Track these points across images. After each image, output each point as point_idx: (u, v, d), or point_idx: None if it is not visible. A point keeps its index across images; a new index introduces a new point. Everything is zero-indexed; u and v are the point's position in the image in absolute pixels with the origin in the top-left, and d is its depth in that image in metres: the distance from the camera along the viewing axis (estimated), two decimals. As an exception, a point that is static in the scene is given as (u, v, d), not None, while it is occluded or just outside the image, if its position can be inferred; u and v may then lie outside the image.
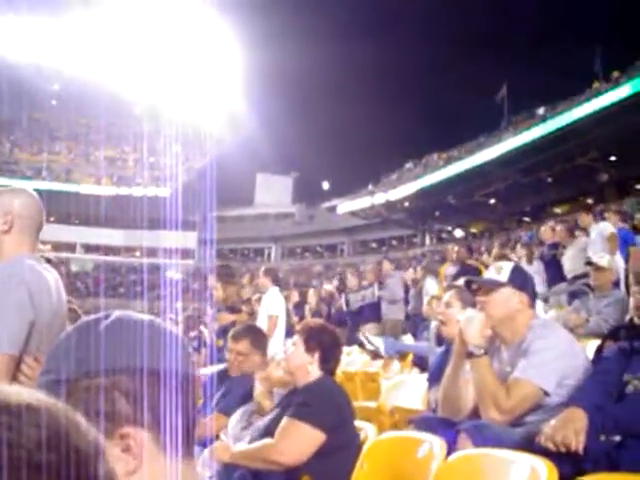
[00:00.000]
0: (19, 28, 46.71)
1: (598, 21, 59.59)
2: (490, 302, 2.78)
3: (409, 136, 55.35)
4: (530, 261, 9.18)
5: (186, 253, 42.27)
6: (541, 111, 31.59)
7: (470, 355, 2.68)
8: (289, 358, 3.13)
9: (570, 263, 8.43)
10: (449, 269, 10.14)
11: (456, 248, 11.15)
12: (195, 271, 37.00)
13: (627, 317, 4.89)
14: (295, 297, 11.43)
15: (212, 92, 43.16)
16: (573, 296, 7.65)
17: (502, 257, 9.37)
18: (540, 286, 8.82)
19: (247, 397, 3.77)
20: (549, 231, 9.86)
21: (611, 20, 56.98)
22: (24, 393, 0.53)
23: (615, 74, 28.21)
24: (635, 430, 2.21)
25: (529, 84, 45.51)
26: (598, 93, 27.48)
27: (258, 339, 4.09)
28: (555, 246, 9.35)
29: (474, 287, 2.91)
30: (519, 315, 2.78)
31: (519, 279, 2.84)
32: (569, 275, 8.51)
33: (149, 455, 0.88)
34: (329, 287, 12.72)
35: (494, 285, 2.80)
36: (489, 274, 2.91)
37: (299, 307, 11.10)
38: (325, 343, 3.11)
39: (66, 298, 2.95)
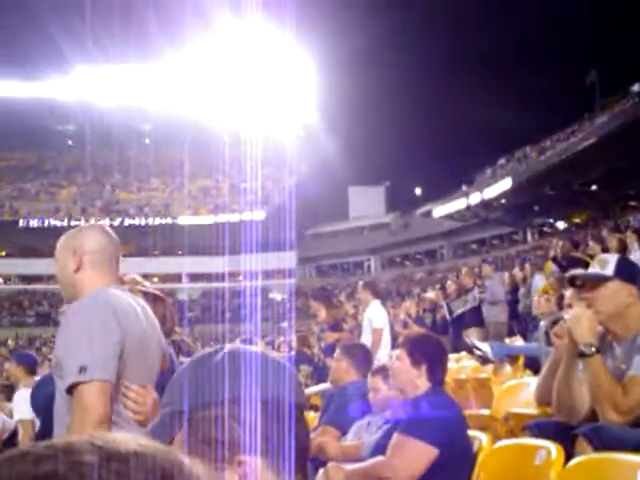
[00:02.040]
0: (109, 74, 49.21)
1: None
2: (597, 298, 2.66)
3: (498, 131, 54.09)
4: None
5: (287, 273, 42.90)
6: (636, 88, 30.17)
7: (581, 355, 2.56)
8: (395, 374, 3.09)
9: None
10: (552, 267, 9.80)
11: (560, 243, 10.78)
12: (297, 290, 37.48)
13: None
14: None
15: (292, 113, 43.83)
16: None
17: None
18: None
19: (347, 405, 3.86)
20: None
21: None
22: (130, 439, 0.56)
23: None
24: None
25: (619, 63, 43.57)
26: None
27: (355, 362, 4.20)
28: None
29: (579, 283, 2.79)
30: (630, 309, 2.64)
31: (626, 271, 2.70)
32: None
33: None
34: (431, 295, 12.57)
35: (600, 279, 2.68)
36: (593, 268, 2.78)
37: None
38: (431, 353, 3.05)
39: (173, 327, 3.04)
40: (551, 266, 9.98)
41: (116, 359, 2.04)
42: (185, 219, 47.68)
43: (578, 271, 3.02)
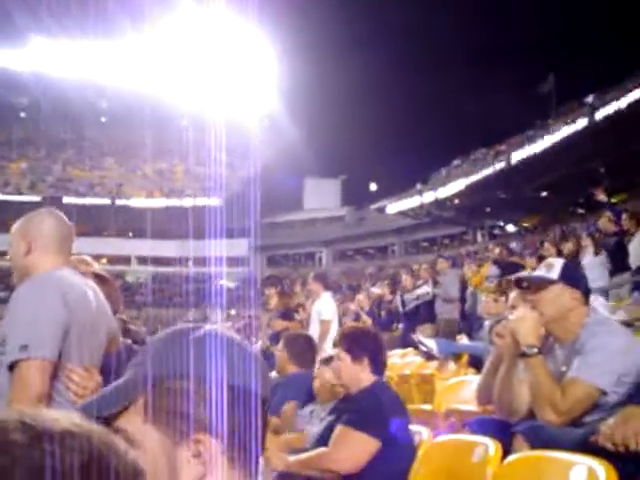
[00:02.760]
0: (67, 48, 48.05)
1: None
2: (541, 300, 2.72)
3: (455, 133, 54.80)
4: (597, 252, 8.91)
5: (238, 261, 42.68)
6: (590, 99, 30.90)
7: (523, 355, 2.62)
8: (338, 373, 3.10)
9: (636, 253, 8.15)
10: (491, 269, 9.95)
11: (497, 249, 10.98)
12: (247, 278, 37.33)
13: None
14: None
15: (254, 100, 43.54)
16: (636, 287, 7.44)
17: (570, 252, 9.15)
18: (605, 279, 8.57)
19: (289, 396, 3.87)
20: (607, 222, 9.47)
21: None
22: (62, 419, 0.54)
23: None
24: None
25: (577, 73, 44.53)
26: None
27: (295, 352, 4.24)
28: (618, 235, 8.98)
29: (524, 285, 2.85)
30: (572, 313, 2.71)
31: (571, 275, 2.77)
32: (634, 265, 8.21)
33: (217, 466, 0.91)
34: (377, 290, 12.66)
35: (545, 282, 2.74)
36: (539, 271, 2.85)
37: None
38: (370, 346, 3.07)
39: (118, 309, 3.02)
40: (489, 268, 10.13)
41: (59, 339, 2.07)
42: (137, 201, 46.97)
43: (524, 273, 3.09)
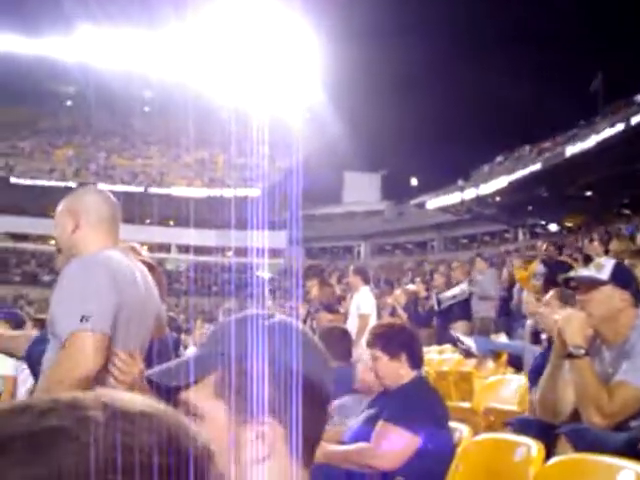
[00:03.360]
0: (112, 38, 48.73)
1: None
2: (591, 301, 2.67)
3: (499, 129, 54.10)
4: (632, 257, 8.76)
5: (276, 252, 42.88)
6: (639, 98, 30.22)
7: (570, 356, 2.57)
8: (378, 373, 3.07)
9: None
10: (539, 267, 9.82)
11: (544, 246, 10.81)
12: (285, 270, 37.49)
13: None
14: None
15: (296, 92, 43.59)
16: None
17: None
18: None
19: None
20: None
21: None
22: (138, 400, 0.55)
23: None
24: None
25: (625, 72, 43.57)
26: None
27: (330, 346, 4.19)
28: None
29: (573, 285, 2.80)
30: (622, 314, 2.66)
31: (621, 276, 2.71)
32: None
33: (277, 451, 0.94)
34: (412, 287, 12.59)
35: (595, 283, 2.69)
36: (589, 271, 2.79)
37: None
38: (406, 342, 3.06)
39: (163, 298, 3.01)
40: (536, 266, 10.00)
41: (109, 317, 1.99)
42: (179, 190, 47.46)
43: (575, 273, 3.03)
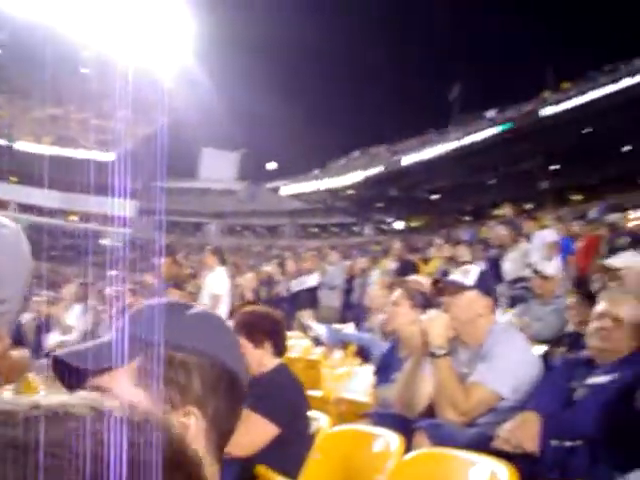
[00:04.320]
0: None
1: (551, 37, 61.01)
2: (455, 304, 2.82)
3: (359, 126, 55.56)
4: (473, 262, 9.29)
5: (124, 222, 41.43)
6: (491, 114, 32.20)
7: (432, 355, 2.71)
8: None
9: (511, 267, 8.58)
10: (390, 264, 10.22)
11: (398, 245, 11.25)
12: (132, 241, 36.35)
13: (567, 326, 5.03)
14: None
15: (163, 59, 42.21)
16: (512, 299, 7.82)
17: (450, 258, 9.49)
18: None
19: None
20: (497, 232, 9.82)
21: (562, 36, 58.44)
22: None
23: (565, 85, 28.95)
24: (584, 436, 2.29)
25: (482, 86, 46.23)
26: (546, 103, 28.18)
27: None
28: (500, 248, 9.39)
29: (440, 287, 2.94)
30: (481, 319, 2.83)
31: (485, 284, 2.88)
32: (508, 278, 8.65)
33: (198, 442, 0.91)
34: (268, 268, 12.63)
35: (460, 288, 2.84)
36: (456, 276, 2.94)
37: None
38: (270, 329, 3.02)
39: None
40: (388, 263, 10.40)
41: None
42: (25, 145, 44.51)
43: (445, 276, 3.18)
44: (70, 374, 0.91)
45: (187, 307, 0.99)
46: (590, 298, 4.68)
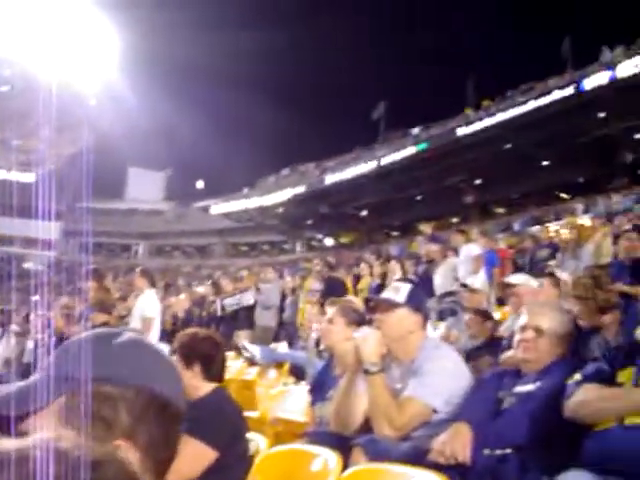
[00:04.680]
0: None
1: (471, 52, 62.95)
2: (387, 321, 2.88)
3: (287, 143, 55.79)
4: (404, 277, 9.44)
5: (48, 244, 40.20)
6: (416, 131, 32.91)
7: (366, 372, 2.76)
8: None
9: (441, 281, 8.78)
10: (314, 284, 10.23)
11: (318, 267, 11.27)
12: (57, 264, 35.31)
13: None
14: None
15: (88, 78, 41.40)
16: (441, 313, 8.01)
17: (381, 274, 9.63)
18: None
19: None
20: (427, 248, 10.03)
21: (484, 52, 60.38)
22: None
23: (485, 103, 29.89)
24: (513, 444, 2.38)
25: (407, 103, 47.18)
26: (467, 121, 29.03)
27: None
28: (430, 263, 9.61)
29: (372, 305, 3.00)
30: (412, 335, 2.90)
31: (416, 300, 2.96)
32: (438, 292, 8.85)
33: None
34: (201, 290, 12.54)
35: (391, 305, 2.91)
36: (387, 293, 3.01)
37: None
38: (203, 351, 2.95)
39: None
40: (312, 283, 10.43)
41: None
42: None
43: (377, 293, 3.25)
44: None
45: (114, 336, 0.97)
46: (484, 314, 4.97)
